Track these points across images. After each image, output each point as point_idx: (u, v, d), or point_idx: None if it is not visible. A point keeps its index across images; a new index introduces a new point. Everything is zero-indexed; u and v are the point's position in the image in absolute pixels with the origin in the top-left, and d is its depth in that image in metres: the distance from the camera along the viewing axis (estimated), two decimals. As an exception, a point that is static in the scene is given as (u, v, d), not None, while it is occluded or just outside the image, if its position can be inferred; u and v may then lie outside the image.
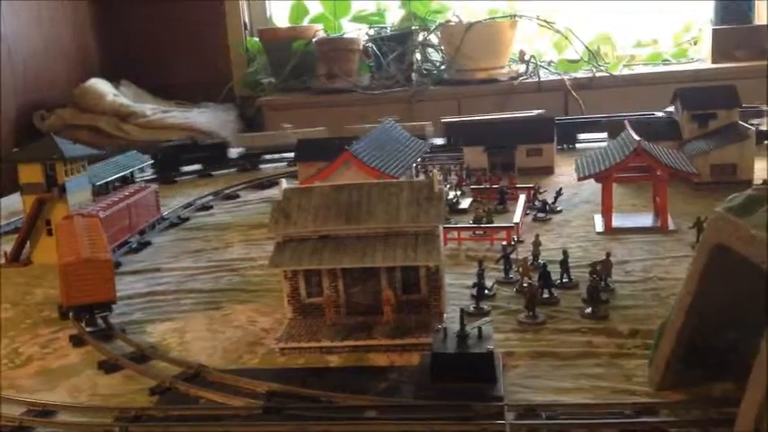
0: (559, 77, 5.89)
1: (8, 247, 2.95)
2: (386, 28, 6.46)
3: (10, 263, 2.86)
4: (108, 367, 1.90)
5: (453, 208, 3.09)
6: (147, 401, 1.72)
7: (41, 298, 2.49)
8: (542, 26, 6.16)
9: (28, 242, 2.87)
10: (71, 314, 2.17)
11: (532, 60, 6.04)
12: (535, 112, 4.56)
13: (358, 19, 6.60)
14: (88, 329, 2.11)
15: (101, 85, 6.20)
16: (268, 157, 4.65)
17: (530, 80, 5.93)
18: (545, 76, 6.02)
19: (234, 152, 4.77)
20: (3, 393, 1.80)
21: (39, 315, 2.34)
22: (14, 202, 3.84)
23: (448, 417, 1.50)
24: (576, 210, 3.06)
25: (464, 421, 1.49)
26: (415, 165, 3.33)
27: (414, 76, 6.20)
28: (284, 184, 2.15)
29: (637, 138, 2.73)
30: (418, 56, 6.34)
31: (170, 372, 1.84)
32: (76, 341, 2.08)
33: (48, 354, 2.05)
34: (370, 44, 6.34)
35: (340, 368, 1.84)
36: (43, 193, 2.79)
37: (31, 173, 2.82)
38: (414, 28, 6.27)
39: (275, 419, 1.56)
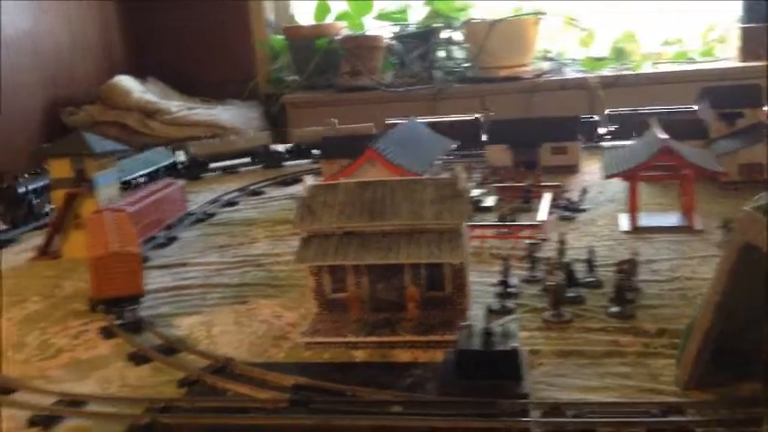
0: (584, 75, 5.85)
1: (38, 240, 3.01)
2: (409, 25, 6.47)
3: (40, 256, 2.91)
4: (137, 359, 1.93)
5: (477, 206, 3.09)
6: (176, 393, 1.74)
7: (71, 291, 2.54)
8: (567, 24, 6.13)
9: (57, 236, 2.91)
10: (100, 307, 2.21)
11: (557, 58, 6.02)
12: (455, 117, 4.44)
13: (382, 17, 6.61)
14: (117, 322, 2.15)
15: (127, 81, 6.28)
16: (213, 165, 4.53)
17: (554, 78, 5.90)
18: (569, 74, 5.99)
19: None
20: (33, 383, 1.84)
21: (68, 307, 2.38)
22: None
23: (472, 413, 1.51)
24: (602, 208, 3.05)
25: (489, 418, 1.49)
26: (438, 162, 3.34)
27: (437, 73, 6.20)
28: (309, 180, 2.16)
29: (663, 136, 2.71)
30: (442, 53, 6.34)
31: (198, 364, 1.87)
32: (106, 333, 2.12)
33: (77, 345, 2.09)
34: (393, 42, 6.35)
35: (365, 363, 1.86)
36: (73, 187, 2.84)
37: (60, 168, 2.87)
38: (437, 25, 6.27)
39: (301, 413, 1.57)
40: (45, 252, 2.91)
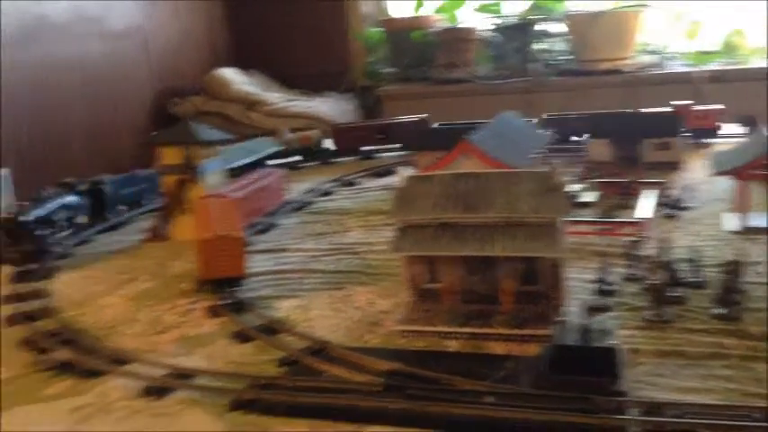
0: (689, 70, 5.63)
1: (149, 223, 3.18)
2: (507, 17, 6.41)
3: (151, 238, 3.07)
4: (240, 337, 2.02)
5: (576, 201, 3.04)
6: (276, 372, 1.82)
7: (179, 271, 2.67)
8: (672, 17, 5.91)
9: (167, 219, 3.07)
10: (206, 287, 2.32)
11: (661, 52, 5.81)
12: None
13: (479, 9, 6.58)
14: (222, 302, 2.25)
15: (229, 73, 6.51)
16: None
17: (657, 72, 5.71)
18: (673, 68, 5.78)
19: None
20: (146, 357, 1.96)
21: (177, 287, 2.51)
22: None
23: (568, 408, 1.50)
24: (708, 207, 2.94)
25: (585, 414, 1.48)
26: (536, 156, 3.30)
27: (534, 66, 6.11)
28: (405, 171, 2.19)
29: (776, 133, 2.59)
30: (540, 46, 6.25)
31: (296, 345, 1.94)
32: (212, 312, 2.22)
33: (185, 323, 2.21)
34: (490, 34, 6.30)
35: (459, 353, 1.87)
36: (182, 174, 2.98)
37: (171, 155, 3.01)
38: (535, 17, 6.18)
39: (396, 397, 1.61)
40: (155, 234, 3.07)
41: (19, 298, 2.48)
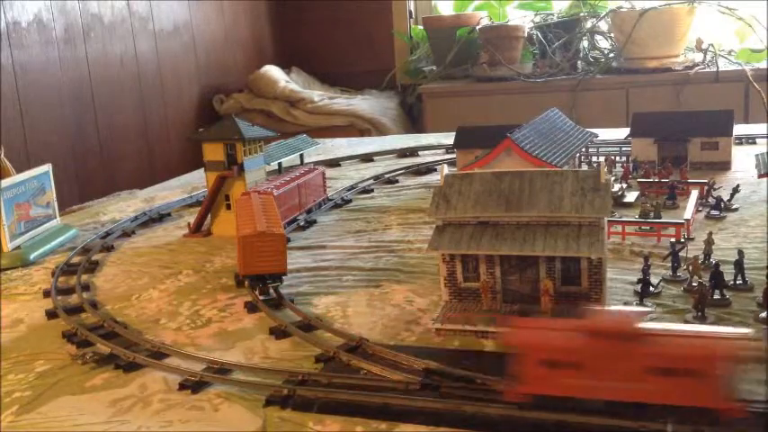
0: (740, 68, 5.48)
1: (191, 218, 3.22)
2: (552, 14, 6.33)
3: (192, 233, 3.12)
4: (278, 333, 2.04)
5: (618, 201, 2.99)
6: (313, 368, 1.83)
7: (220, 266, 2.71)
8: (724, 13, 5.75)
9: (209, 215, 3.11)
10: (246, 283, 2.34)
11: (711, 49, 5.67)
12: None
13: (523, 6, 6.51)
14: (261, 298, 2.27)
15: (274, 71, 6.58)
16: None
17: (707, 70, 5.57)
18: (724, 66, 5.63)
19: None
20: (185, 350, 1.99)
21: (217, 282, 2.54)
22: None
23: (607, 411, 1.47)
24: (754, 208, 2.86)
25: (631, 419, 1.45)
26: (578, 155, 3.25)
27: (580, 64, 6.02)
28: (445, 169, 2.18)
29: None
30: (585, 43, 6.16)
31: (333, 342, 1.94)
32: (250, 308, 2.25)
33: (225, 317, 2.23)
34: (535, 31, 6.23)
35: (495, 353, 1.85)
36: (224, 170, 3.01)
37: (213, 151, 3.05)
38: (582, 14, 6.09)
39: (432, 396, 1.60)
40: (197, 230, 3.11)
41: (61, 291, 2.53)
